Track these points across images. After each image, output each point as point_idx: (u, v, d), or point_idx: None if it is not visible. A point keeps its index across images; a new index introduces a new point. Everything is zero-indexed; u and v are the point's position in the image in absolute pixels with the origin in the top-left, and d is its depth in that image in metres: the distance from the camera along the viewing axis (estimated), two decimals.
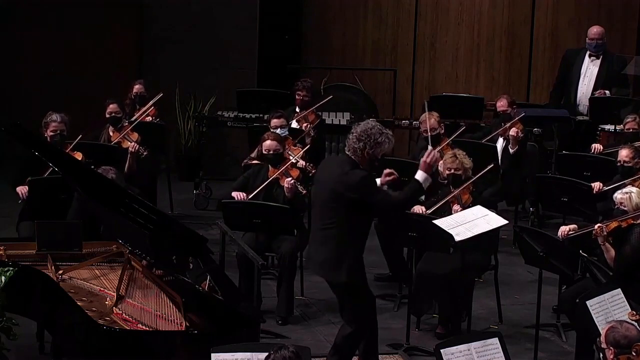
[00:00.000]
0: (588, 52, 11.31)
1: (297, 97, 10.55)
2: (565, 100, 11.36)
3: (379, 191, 6.84)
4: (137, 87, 10.93)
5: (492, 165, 8.39)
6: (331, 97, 10.71)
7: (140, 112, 10.58)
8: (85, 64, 12.82)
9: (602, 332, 5.35)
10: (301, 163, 9.18)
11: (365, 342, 7.03)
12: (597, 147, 10.12)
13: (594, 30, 11.33)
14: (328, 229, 6.81)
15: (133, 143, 9.69)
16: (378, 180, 7.02)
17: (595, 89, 11.15)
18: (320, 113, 10.81)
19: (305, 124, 10.20)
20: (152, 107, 10.63)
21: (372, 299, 7.07)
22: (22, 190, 8.44)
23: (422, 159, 6.87)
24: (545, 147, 10.85)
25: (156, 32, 12.93)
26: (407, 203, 7.26)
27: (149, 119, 10.50)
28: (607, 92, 11.09)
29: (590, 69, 11.27)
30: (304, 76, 11.83)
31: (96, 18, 12.82)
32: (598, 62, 11.27)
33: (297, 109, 10.48)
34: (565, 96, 11.40)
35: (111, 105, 9.93)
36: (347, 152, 6.85)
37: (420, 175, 6.83)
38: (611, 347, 5.25)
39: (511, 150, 10.12)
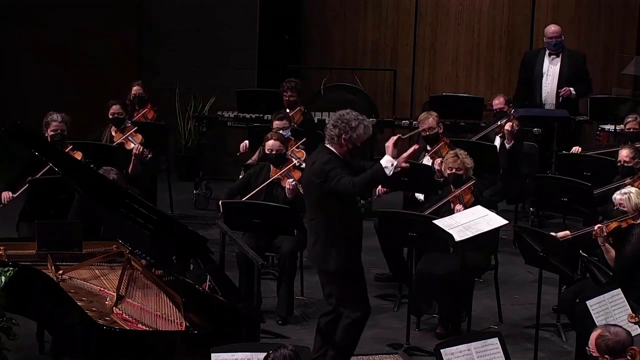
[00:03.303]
0: (547, 52, 11.29)
1: (284, 98, 10.55)
2: (529, 101, 11.33)
3: (338, 173, 6.61)
4: (135, 89, 10.92)
5: (473, 181, 8.34)
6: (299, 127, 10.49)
7: (138, 115, 10.59)
8: (85, 63, 12.84)
9: (591, 339, 5.30)
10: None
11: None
12: (577, 149, 10.14)
13: (552, 28, 11.30)
14: (315, 219, 6.84)
15: (137, 145, 9.68)
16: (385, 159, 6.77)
17: (559, 86, 11.14)
18: (315, 113, 10.81)
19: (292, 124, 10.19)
20: (150, 111, 10.65)
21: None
22: (5, 195, 8.45)
23: (389, 142, 6.66)
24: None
25: (156, 32, 12.94)
26: (367, 186, 6.93)
27: (149, 115, 10.52)
28: (572, 89, 11.08)
29: (551, 68, 11.24)
30: (304, 76, 11.84)
31: (96, 18, 12.83)
32: (558, 60, 11.24)
33: (287, 110, 10.46)
34: (529, 97, 11.37)
35: (114, 106, 9.93)
36: (325, 144, 6.83)
37: (385, 159, 6.59)
38: (606, 355, 5.21)
39: (507, 145, 10.13)
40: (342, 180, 6.60)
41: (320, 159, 6.75)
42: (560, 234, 7.65)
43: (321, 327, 7.05)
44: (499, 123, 10.31)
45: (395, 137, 6.73)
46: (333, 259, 6.78)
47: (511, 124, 10.12)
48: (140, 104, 10.78)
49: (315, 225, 6.87)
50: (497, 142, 10.26)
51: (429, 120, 9.50)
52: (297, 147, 9.46)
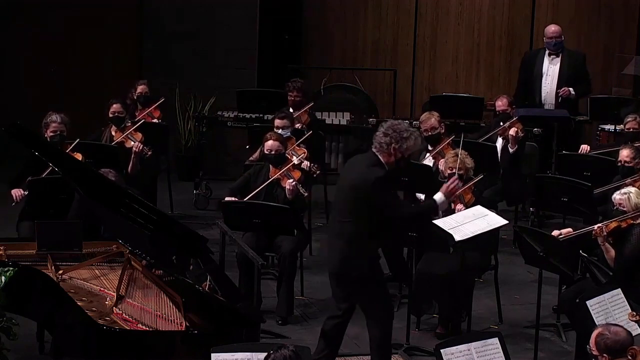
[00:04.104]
0: (547, 52, 11.30)
1: (289, 98, 10.55)
2: (529, 101, 11.34)
3: (392, 196, 6.78)
4: (141, 88, 10.92)
5: (481, 176, 8.36)
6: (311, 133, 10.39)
7: (143, 113, 10.60)
8: (86, 63, 12.83)
9: (591, 338, 5.31)
10: (305, 164, 9.16)
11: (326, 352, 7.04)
12: (585, 147, 10.14)
13: (552, 28, 11.31)
14: (345, 222, 6.80)
15: (137, 143, 9.69)
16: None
17: (559, 87, 11.15)
18: (315, 113, 10.80)
19: (297, 124, 10.19)
20: (156, 110, 10.66)
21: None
22: (16, 193, 8.45)
23: (445, 184, 7.00)
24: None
25: (156, 32, 12.94)
26: (417, 218, 7.21)
27: (155, 121, 10.53)
28: (571, 89, 11.09)
29: (551, 68, 11.25)
30: (304, 76, 11.83)
31: (96, 18, 12.83)
32: (558, 60, 11.25)
33: (291, 110, 10.46)
34: (529, 97, 11.37)
35: (114, 105, 9.94)
36: (373, 150, 6.82)
37: (439, 196, 6.93)
38: (605, 355, 5.22)
39: (510, 150, 10.14)
40: (395, 207, 6.81)
41: (371, 169, 6.72)
42: (564, 230, 7.64)
43: (326, 329, 7.04)
44: (501, 124, 10.29)
45: (455, 184, 7.03)
46: (358, 264, 6.77)
47: (516, 129, 10.11)
48: (146, 103, 10.78)
49: (347, 227, 6.79)
50: (499, 142, 10.26)
51: (430, 120, 9.50)
52: (299, 145, 9.45)
